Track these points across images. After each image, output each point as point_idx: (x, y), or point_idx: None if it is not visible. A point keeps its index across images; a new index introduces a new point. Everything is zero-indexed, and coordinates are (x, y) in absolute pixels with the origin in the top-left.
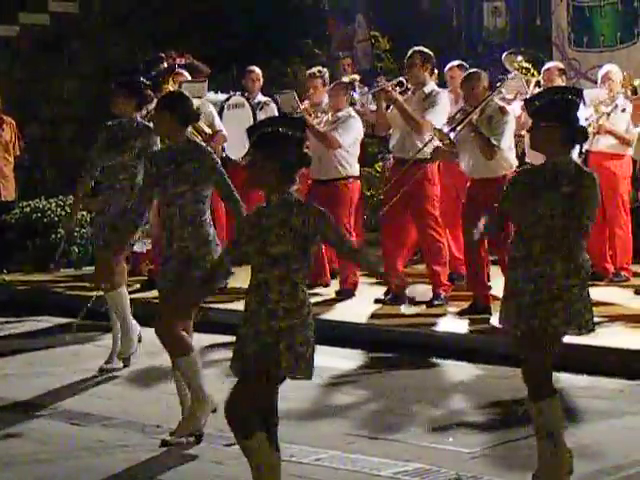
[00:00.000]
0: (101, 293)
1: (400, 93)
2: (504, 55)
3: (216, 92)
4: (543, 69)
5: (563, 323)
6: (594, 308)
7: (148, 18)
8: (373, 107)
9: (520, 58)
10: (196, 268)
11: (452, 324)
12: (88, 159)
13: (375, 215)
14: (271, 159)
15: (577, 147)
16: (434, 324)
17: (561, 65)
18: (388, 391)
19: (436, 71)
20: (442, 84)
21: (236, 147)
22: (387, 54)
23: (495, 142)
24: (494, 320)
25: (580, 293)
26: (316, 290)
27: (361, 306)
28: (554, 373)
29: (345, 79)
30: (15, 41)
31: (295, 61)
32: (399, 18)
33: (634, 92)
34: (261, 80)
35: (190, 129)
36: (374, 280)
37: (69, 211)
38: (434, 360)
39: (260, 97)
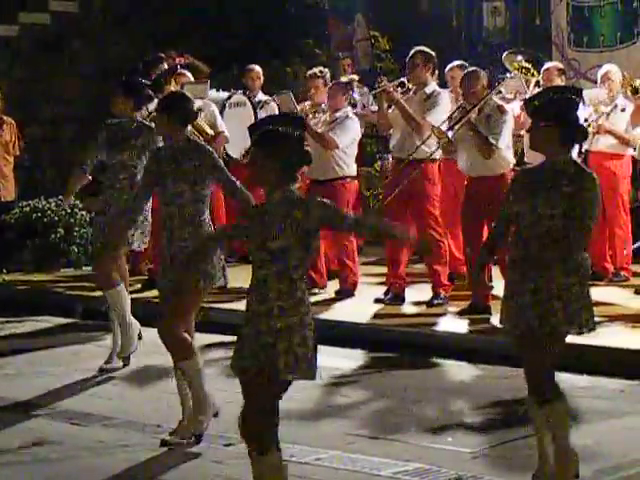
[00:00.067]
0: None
1: (401, 93)
2: (504, 55)
3: (218, 90)
4: (542, 69)
5: (562, 322)
6: (594, 308)
7: (148, 18)
8: (374, 107)
9: (520, 58)
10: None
11: (452, 324)
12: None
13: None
14: (272, 157)
15: (576, 147)
16: (434, 324)
17: (560, 65)
18: (388, 391)
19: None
20: (442, 84)
21: (237, 146)
22: (387, 54)
23: (493, 141)
24: (495, 320)
25: (580, 292)
26: (315, 290)
27: (361, 306)
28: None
29: (343, 79)
30: (15, 41)
31: (295, 61)
32: (399, 18)
33: (634, 92)
34: (261, 79)
35: (191, 129)
36: (374, 280)
37: (69, 211)
38: (434, 360)
39: (261, 96)
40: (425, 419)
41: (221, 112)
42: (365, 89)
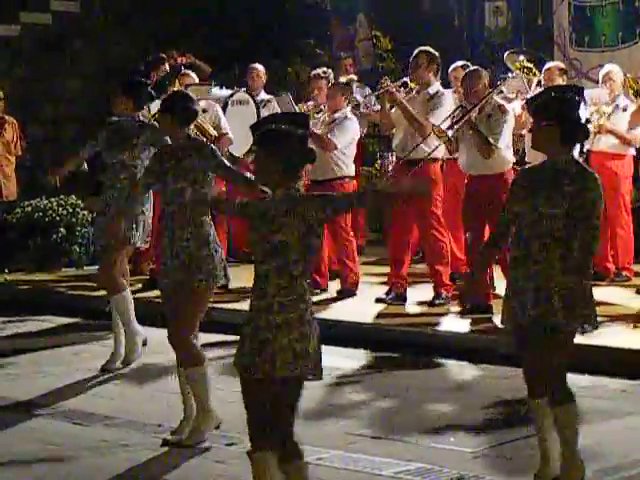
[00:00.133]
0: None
1: (405, 93)
2: (506, 54)
3: (220, 88)
4: (544, 69)
5: (563, 321)
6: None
7: (150, 17)
8: (377, 107)
9: (522, 57)
10: (197, 269)
11: (454, 324)
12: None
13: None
14: (275, 156)
15: (578, 146)
16: (436, 324)
17: (562, 65)
18: (390, 391)
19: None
20: (444, 84)
21: (239, 144)
22: (388, 54)
23: (492, 141)
24: (496, 320)
25: (581, 290)
26: (317, 291)
27: (363, 306)
28: None
29: (342, 79)
30: (16, 41)
31: (296, 61)
32: (400, 18)
33: (637, 95)
34: (263, 78)
35: (193, 128)
36: (376, 280)
37: (71, 210)
38: (436, 360)
39: (263, 95)
40: (427, 419)
41: (223, 109)
42: (367, 89)
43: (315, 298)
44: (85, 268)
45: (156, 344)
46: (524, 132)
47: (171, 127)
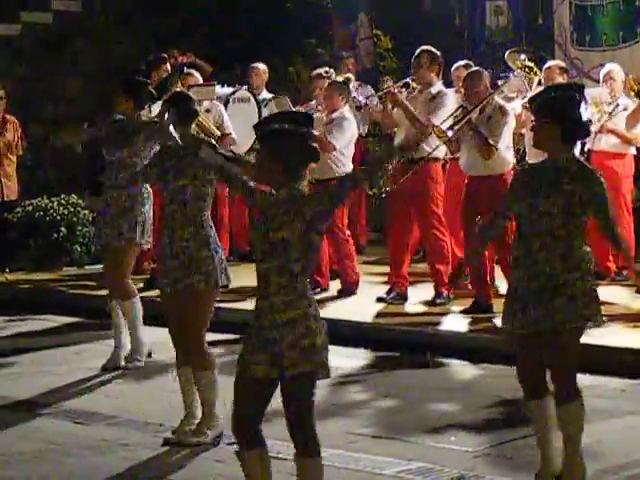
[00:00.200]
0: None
1: (407, 93)
2: (507, 54)
3: (222, 86)
4: (544, 68)
5: (567, 319)
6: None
7: (151, 17)
8: (379, 106)
9: (523, 57)
10: (197, 270)
11: (455, 323)
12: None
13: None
14: (278, 155)
15: (579, 145)
16: (437, 323)
17: (562, 63)
18: (390, 390)
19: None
20: (445, 83)
21: (240, 142)
22: (389, 53)
23: (492, 142)
24: (497, 321)
25: (583, 287)
26: (317, 290)
27: (363, 305)
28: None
29: (339, 79)
30: (17, 40)
31: (297, 60)
32: (401, 17)
33: (638, 95)
34: (265, 76)
35: (196, 127)
36: (376, 279)
37: (72, 210)
38: (437, 359)
39: (265, 94)
40: (427, 418)
41: (224, 107)
42: (369, 87)
43: (315, 298)
44: (86, 267)
45: (157, 344)
46: (524, 131)
47: (173, 127)
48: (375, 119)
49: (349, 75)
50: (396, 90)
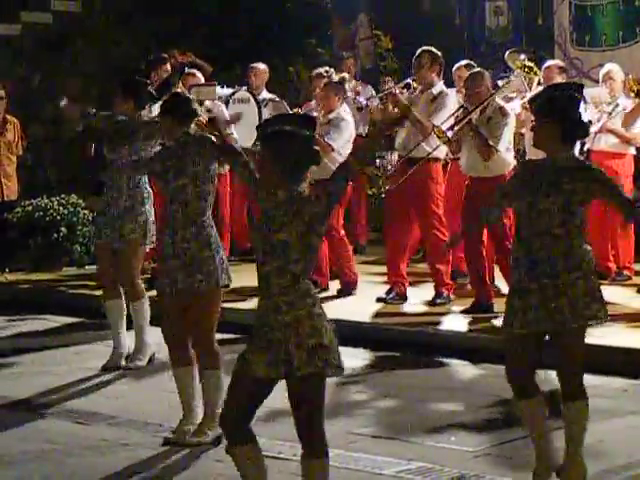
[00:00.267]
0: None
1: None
2: (507, 54)
3: (222, 86)
4: (543, 67)
5: (567, 319)
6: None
7: (151, 17)
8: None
9: (523, 57)
10: (198, 270)
11: (455, 323)
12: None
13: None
14: (279, 157)
15: (578, 145)
16: (437, 323)
17: (561, 63)
18: (391, 390)
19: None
20: (446, 83)
21: (241, 142)
22: (389, 53)
23: (492, 143)
24: (498, 321)
25: (585, 285)
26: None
27: (363, 305)
28: (553, 372)
29: (334, 78)
30: (17, 40)
31: (297, 60)
32: (401, 17)
33: (638, 95)
34: (265, 76)
35: (197, 128)
36: (376, 279)
37: (71, 210)
38: (437, 359)
39: (265, 94)
40: (427, 418)
41: (225, 107)
42: (369, 87)
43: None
44: (86, 267)
45: (157, 345)
46: (524, 131)
47: (172, 128)
48: (375, 119)
49: (344, 75)
50: (397, 91)
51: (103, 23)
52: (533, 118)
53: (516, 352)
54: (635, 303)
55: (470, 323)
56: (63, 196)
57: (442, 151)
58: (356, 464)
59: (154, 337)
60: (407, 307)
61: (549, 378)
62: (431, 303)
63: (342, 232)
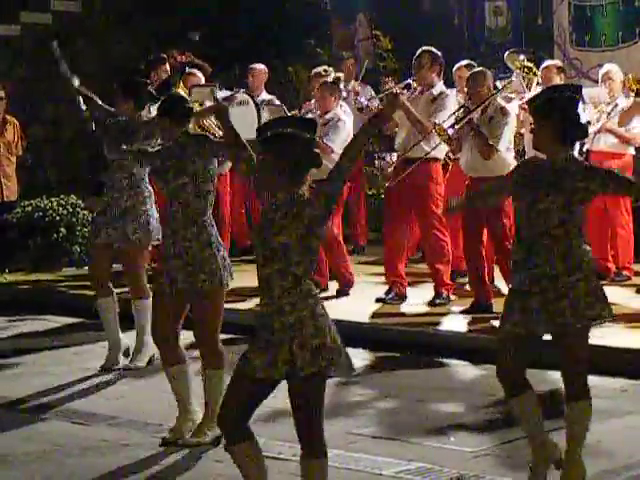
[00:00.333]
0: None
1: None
2: (506, 54)
3: (220, 89)
4: (541, 67)
5: (570, 321)
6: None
7: (151, 17)
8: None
9: (522, 57)
10: (200, 270)
11: (455, 323)
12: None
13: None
14: (279, 160)
15: (577, 145)
16: (437, 323)
17: (559, 63)
18: (390, 390)
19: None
20: (446, 83)
21: None
22: (389, 53)
23: (493, 143)
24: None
25: (587, 286)
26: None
27: (362, 305)
28: (553, 372)
29: (329, 78)
30: (17, 40)
31: (297, 61)
32: (401, 17)
33: (638, 93)
34: (263, 77)
35: (198, 128)
36: (376, 279)
37: (71, 210)
38: (437, 359)
39: (264, 95)
40: (427, 418)
41: None
42: (368, 87)
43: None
44: (85, 268)
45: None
46: (523, 131)
47: (170, 129)
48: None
49: (339, 74)
50: (398, 91)
51: (103, 23)
52: (532, 120)
53: (509, 352)
54: (634, 303)
55: (470, 323)
56: (62, 197)
57: (441, 151)
58: (356, 464)
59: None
60: (407, 307)
61: (549, 378)
62: (431, 303)
63: (336, 231)
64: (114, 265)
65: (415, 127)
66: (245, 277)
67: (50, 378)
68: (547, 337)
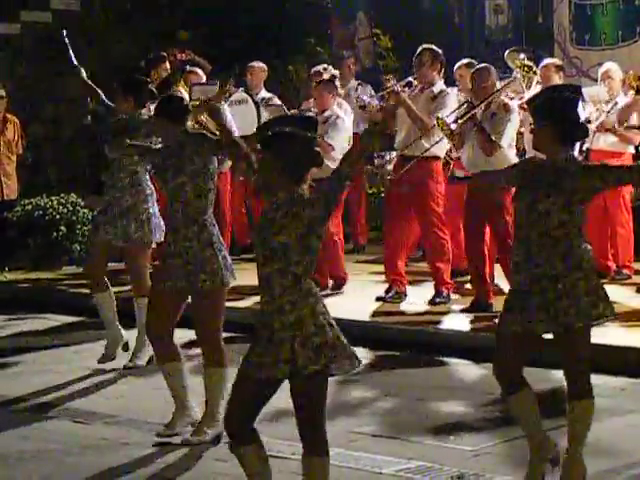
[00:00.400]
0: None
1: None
2: (506, 53)
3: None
4: (540, 66)
5: (575, 318)
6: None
7: (151, 16)
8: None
9: (522, 56)
10: (201, 270)
11: (455, 322)
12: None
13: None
14: (280, 158)
15: (577, 145)
16: (437, 322)
17: (558, 62)
18: (391, 389)
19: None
20: (447, 82)
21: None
22: (389, 52)
23: (495, 139)
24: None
25: (587, 285)
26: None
27: (363, 304)
28: (554, 371)
29: (325, 77)
30: (17, 39)
31: (297, 60)
32: (401, 16)
33: (638, 91)
34: (262, 75)
35: (198, 127)
36: (376, 278)
37: (71, 209)
38: (437, 358)
39: (264, 93)
40: (427, 417)
41: None
42: (368, 87)
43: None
44: None
45: None
46: (523, 130)
47: (168, 129)
48: (375, 119)
49: (334, 72)
50: (399, 88)
51: (103, 22)
52: (532, 120)
53: (507, 351)
54: (634, 302)
55: (470, 322)
56: (63, 195)
57: (442, 150)
58: (356, 463)
59: None
60: (407, 306)
61: (550, 377)
62: (431, 302)
63: (333, 230)
64: (113, 264)
65: (415, 124)
66: (245, 275)
67: (50, 377)
68: (547, 336)
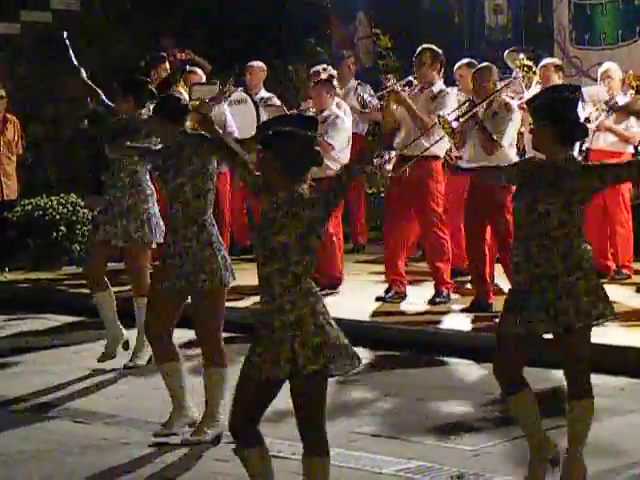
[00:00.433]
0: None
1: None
2: (506, 53)
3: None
4: (539, 65)
5: (575, 318)
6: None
7: (151, 16)
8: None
9: (522, 56)
10: (200, 270)
11: (455, 322)
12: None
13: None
14: (280, 158)
15: (577, 145)
16: (437, 322)
17: (558, 61)
18: (391, 389)
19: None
20: (446, 82)
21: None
22: (389, 52)
23: (496, 138)
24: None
25: (587, 284)
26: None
27: (362, 304)
28: (554, 371)
29: (323, 76)
30: (17, 39)
31: (297, 60)
32: (400, 16)
33: (638, 90)
34: (262, 74)
35: (190, 123)
36: (376, 278)
37: (71, 209)
38: (437, 358)
39: (263, 93)
40: (427, 417)
41: None
42: (368, 86)
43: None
44: None
45: None
46: (523, 129)
47: (167, 129)
48: (375, 118)
49: (332, 71)
50: (399, 88)
51: (103, 22)
52: (531, 120)
53: (508, 351)
54: (634, 302)
55: (470, 322)
56: (62, 195)
57: (442, 149)
58: (356, 463)
59: None
60: (407, 306)
61: (550, 377)
62: (431, 302)
63: (332, 230)
64: (113, 264)
65: (415, 123)
66: (245, 275)
67: (50, 377)
68: (547, 336)
